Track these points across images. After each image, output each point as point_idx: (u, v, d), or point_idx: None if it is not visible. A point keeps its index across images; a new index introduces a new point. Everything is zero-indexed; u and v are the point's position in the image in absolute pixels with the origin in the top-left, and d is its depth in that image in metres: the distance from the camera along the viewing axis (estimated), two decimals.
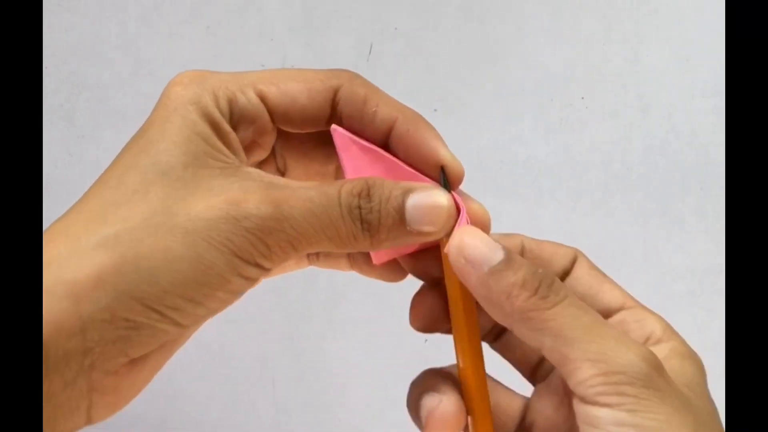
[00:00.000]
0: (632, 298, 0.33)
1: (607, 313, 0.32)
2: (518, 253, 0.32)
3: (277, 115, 0.31)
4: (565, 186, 0.69)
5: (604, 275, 0.34)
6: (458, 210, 0.32)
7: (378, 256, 0.32)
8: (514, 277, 0.29)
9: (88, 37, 0.70)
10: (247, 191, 0.28)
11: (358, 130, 0.31)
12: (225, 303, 0.28)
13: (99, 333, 0.26)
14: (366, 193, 0.29)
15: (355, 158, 0.31)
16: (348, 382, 0.71)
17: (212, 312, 0.28)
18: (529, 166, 0.69)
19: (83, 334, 0.25)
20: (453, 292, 0.32)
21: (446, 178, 0.31)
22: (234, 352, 0.72)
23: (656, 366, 0.27)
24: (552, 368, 0.33)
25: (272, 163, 0.33)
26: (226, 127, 0.30)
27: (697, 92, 0.68)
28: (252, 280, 0.28)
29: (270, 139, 0.32)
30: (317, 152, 0.33)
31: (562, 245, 0.34)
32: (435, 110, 0.69)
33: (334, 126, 0.31)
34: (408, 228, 0.30)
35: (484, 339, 0.34)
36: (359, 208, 0.29)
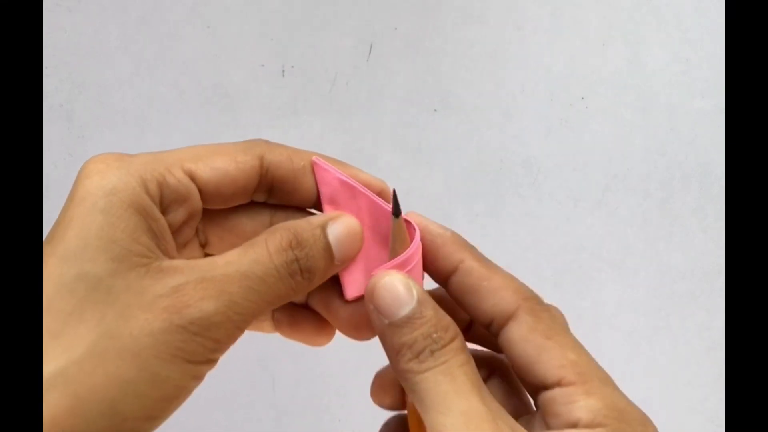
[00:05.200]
0: (579, 366, 0.29)
1: (543, 388, 0.29)
2: (451, 269, 0.31)
3: (207, 192, 0.30)
4: (565, 186, 0.69)
5: (550, 337, 0.30)
6: (411, 237, 0.31)
7: (350, 291, 0.32)
8: (408, 336, 0.28)
9: (88, 37, 0.70)
10: (183, 293, 0.27)
11: (291, 188, 0.32)
12: (178, 406, 0.28)
13: None
14: (296, 241, 0.29)
15: (334, 192, 0.32)
16: (348, 382, 0.71)
17: (165, 419, 0.28)
18: (529, 166, 0.69)
19: None
20: None
21: (397, 202, 0.31)
22: (233, 353, 0.71)
23: None
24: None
25: (194, 240, 0.32)
26: (156, 213, 0.29)
27: (697, 92, 0.68)
28: (204, 376, 0.28)
29: (198, 219, 0.32)
30: (238, 227, 0.33)
31: (511, 289, 0.31)
32: (435, 110, 0.69)
33: (315, 158, 0.32)
34: (336, 262, 0.31)
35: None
36: (296, 260, 0.29)
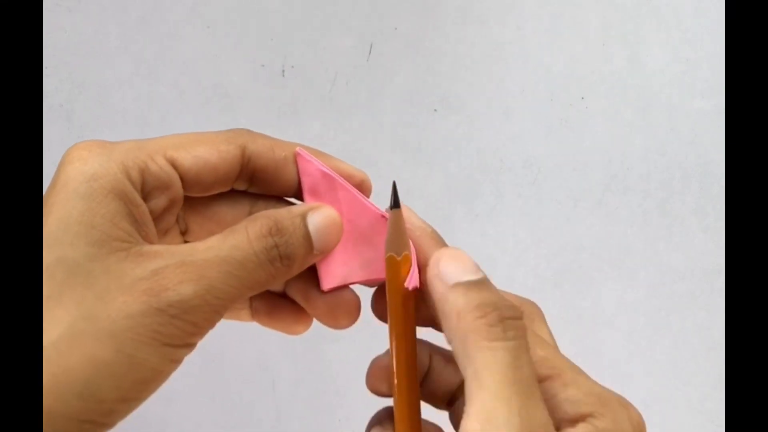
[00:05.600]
0: (546, 360, 0.29)
1: None
2: (424, 263, 0.30)
3: (188, 179, 0.31)
4: (565, 186, 0.69)
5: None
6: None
7: (327, 282, 0.32)
8: (475, 300, 0.27)
9: (88, 37, 0.70)
10: (162, 276, 0.27)
11: (272, 178, 0.32)
12: (156, 389, 0.28)
13: None
14: (276, 228, 0.29)
15: (315, 183, 0.32)
16: (348, 382, 0.71)
17: (142, 402, 0.28)
18: (529, 166, 0.69)
19: None
20: (392, 322, 0.31)
21: (396, 195, 0.31)
22: (233, 354, 0.71)
23: None
24: None
25: (175, 228, 0.33)
26: (138, 200, 0.29)
27: (697, 92, 0.68)
28: (182, 360, 0.28)
29: (179, 207, 0.32)
30: (218, 215, 0.33)
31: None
32: (435, 110, 0.69)
33: (299, 149, 0.32)
34: (314, 252, 0.31)
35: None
36: (276, 247, 0.29)
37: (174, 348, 0.27)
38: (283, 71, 0.70)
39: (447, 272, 0.28)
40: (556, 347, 0.31)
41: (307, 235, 0.30)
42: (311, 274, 0.33)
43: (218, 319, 0.29)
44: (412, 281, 0.30)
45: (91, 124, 0.70)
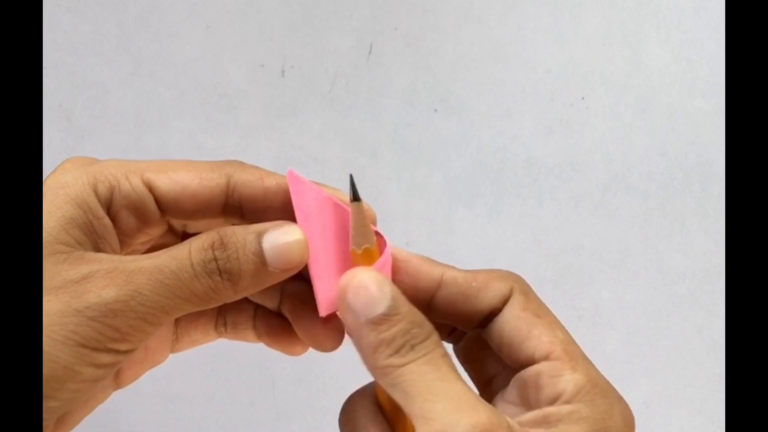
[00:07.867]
0: (566, 344, 0.30)
1: (530, 363, 0.30)
2: (435, 285, 0.31)
3: (166, 203, 0.31)
4: (566, 186, 0.69)
5: (540, 316, 0.31)
6: (381, 247, 0.31)
7: (324, 308, 0.31)
8: (386, 333, 0.28)
9: (88, 37, 0.70)
10: (89, 280, 0.28)
11: (262, 208, 0.31)
12: (81, 392, 0.28)
13: None
14: (219, 243, 0.29)
15: (307, 205, 0.31)
16: (348, 383, 0.71)
17: (69, 403, 0.28)
18: (529, 166, 0.69)
19: None
20: None
21: (354, 188, 0.30)
22: (233, 353, 0.71)
23: None
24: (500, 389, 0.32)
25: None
26: (99, 212, 0.29)
27: (697, 92, 0.68)
28: (109, 366, 0.28)
29: (157, 230, 0.32)
30: None
31: (498, 277, 0.32)
32: (435, 110, 0.69)
33: (290, 170, 0.31)
34: (270, 269, 0.29)
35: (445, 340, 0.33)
36: (215, 260, 0.29)
37: (93, 351, 0.27)
38: (283, 71, 0.70)
39: (356, 307, 0.29)
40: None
41: (258, 251, 0.29)
42: (301, 295, 0.33)
43: (150, 329, 0.28)
44: (383, 270, 0.30)
45: (91, 124, 0.70)
